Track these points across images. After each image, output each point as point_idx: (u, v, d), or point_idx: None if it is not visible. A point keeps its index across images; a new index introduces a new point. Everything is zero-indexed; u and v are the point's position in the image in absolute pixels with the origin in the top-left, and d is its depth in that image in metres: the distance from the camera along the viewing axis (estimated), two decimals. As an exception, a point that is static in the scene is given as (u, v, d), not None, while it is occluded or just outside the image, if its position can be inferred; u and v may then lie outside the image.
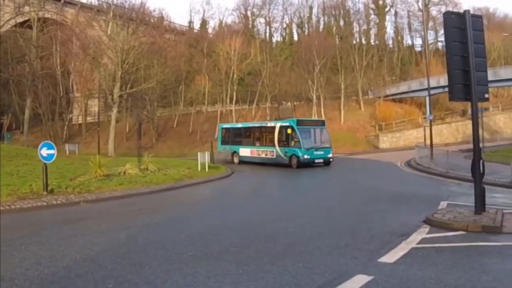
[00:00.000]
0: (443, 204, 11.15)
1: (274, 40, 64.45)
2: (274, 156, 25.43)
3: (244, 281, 5.41)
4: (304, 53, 50.45)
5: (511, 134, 47.11)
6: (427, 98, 34.10)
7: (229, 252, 6.77)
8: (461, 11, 9.36)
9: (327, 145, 25.19)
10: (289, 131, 24.29)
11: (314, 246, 7.07)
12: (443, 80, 37.99)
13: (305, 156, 23.50)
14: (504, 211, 9.64)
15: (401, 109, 52.04)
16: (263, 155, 26.35)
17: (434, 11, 61.36)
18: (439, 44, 62.95)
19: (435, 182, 17.46)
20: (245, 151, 27.98)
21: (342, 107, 50.80)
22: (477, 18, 9.18)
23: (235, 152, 28.74)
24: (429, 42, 59.10)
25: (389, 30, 66.34)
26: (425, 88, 34.97)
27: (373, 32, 63.29)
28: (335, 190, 15.97)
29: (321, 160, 24.24)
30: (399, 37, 66.01)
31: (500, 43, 55.98)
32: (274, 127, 25.96)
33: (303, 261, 6.24)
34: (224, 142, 30.31)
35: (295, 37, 65.08)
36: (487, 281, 5.35)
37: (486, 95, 9.36)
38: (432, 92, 36.73)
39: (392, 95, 54.35)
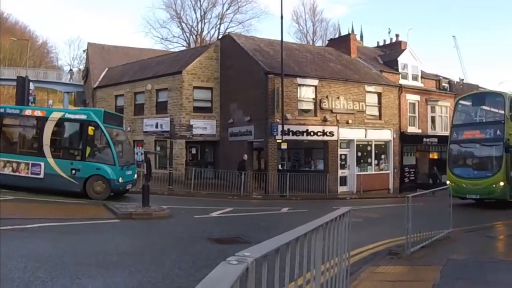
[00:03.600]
0: None
1: None
2: (41, 175, 13.96)
3: None
4: None
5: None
6: None
7: None
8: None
9: (133, 160, 16.55)
10: (90, 130, 13.89)
11: None
12: None
13: (120, 180, 14.22)
14: None
15: None
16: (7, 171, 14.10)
17: None
18: None
19: None
20: None
21: None
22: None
23: None
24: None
25: None
26: None
27: None
28: None
29: (131, 186, 15.56)
30: None
31: (8, 46, 56.54)
32: (40, 120, 14.57)
33: None
34: None
35: None
36: None
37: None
38: None
39: None
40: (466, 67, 76.68)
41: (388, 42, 32.20)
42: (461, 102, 20.08)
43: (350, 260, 4.80)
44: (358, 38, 36.50)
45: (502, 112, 17.67)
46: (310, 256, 3.22)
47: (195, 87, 24.12)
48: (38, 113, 14.92)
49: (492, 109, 18.80)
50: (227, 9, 47.58)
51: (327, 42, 35.63)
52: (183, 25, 48.24)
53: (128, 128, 25.96)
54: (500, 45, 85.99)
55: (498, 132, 17.39)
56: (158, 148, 24.17)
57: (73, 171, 13.90)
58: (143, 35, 69.97)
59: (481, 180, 17.27)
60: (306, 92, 22.30)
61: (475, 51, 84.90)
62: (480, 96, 20.12)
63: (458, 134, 18.90)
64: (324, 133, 22.16)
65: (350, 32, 32.18)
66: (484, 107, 19.14)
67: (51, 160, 14.02)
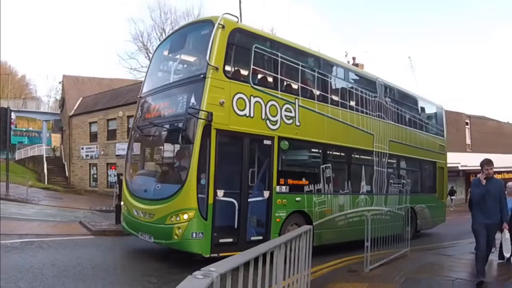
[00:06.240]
0: None
1: None
2: None
3: None
4: None
5: None
6: None
7: None
8: None
9: None
10: None
11: None
12: None
13: None
14: None
15: None
16: None
17: None
18: None
19: None
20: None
21: None
22: None
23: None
24: None
25: None
26: None
27: None
28: None
29: None
30: None
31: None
32: None
33: None
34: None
35: None
36: None
37: None
38: None
39: None
40: (424, 89, 78.09)
41: (345, 65, 31.62)
42: (158, 51, 10.64)
43: (310, 276, 4.93)
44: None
45: (205, 62, 7.81)
46: (272, 272, 3.36)
47: (163, 113, 25.76)
48: None
49: (195, 56, 9.45)
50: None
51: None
52: (150, 55, 49.81)
53: (102, 152, 27.83)
54: (456, 64, 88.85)
55: (193, 99, 7.90)
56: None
57: None
58: (114, 66, 72.60)
59: (154, 206, 8.05)
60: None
61: (432, 71, 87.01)
62: (182, 33, 9.85)
63: (144, 111, 9.73)
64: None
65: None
66: (185, 54, 9.65)
67: None
